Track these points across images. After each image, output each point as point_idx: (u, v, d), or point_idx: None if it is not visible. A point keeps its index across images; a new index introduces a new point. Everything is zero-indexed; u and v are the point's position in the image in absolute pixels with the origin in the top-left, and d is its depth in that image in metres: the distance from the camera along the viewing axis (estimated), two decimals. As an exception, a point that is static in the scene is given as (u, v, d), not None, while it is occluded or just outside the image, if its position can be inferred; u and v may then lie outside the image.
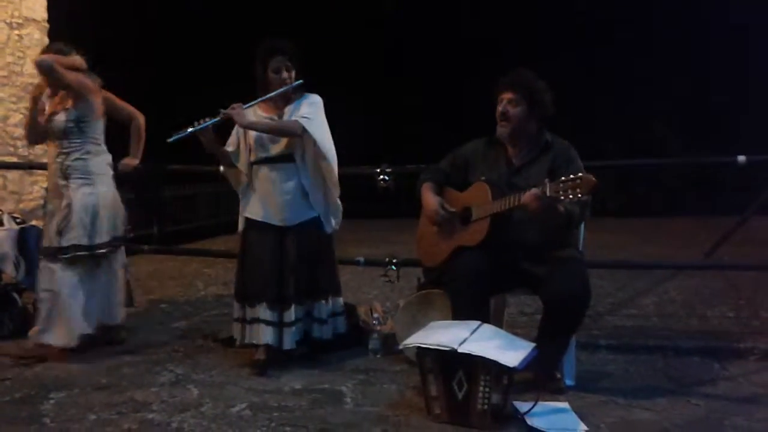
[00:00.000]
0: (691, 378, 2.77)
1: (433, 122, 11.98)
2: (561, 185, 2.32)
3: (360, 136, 11.71)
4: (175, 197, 9.05)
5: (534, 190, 2.40)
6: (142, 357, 3.15)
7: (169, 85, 10.69)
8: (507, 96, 2.69)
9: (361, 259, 3.93)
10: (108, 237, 3.17)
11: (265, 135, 2.96)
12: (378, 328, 3.19)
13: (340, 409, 2.47)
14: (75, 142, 3.14)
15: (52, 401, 2.58)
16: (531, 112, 2.67)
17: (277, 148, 2.96)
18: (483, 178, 2.72)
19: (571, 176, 2.32)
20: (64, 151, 3.14)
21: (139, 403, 2.54)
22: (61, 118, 3.13)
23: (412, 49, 12.35)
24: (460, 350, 2.28)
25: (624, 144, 11.33)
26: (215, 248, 6.47)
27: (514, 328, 3.10)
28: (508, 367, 2.25)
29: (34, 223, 4.09)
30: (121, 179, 3.59)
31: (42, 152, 4.49)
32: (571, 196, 2.30)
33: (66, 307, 3.04)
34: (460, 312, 2.59)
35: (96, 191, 3.15)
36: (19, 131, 4.67)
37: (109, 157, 3.52)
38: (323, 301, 3.03)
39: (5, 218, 3.74)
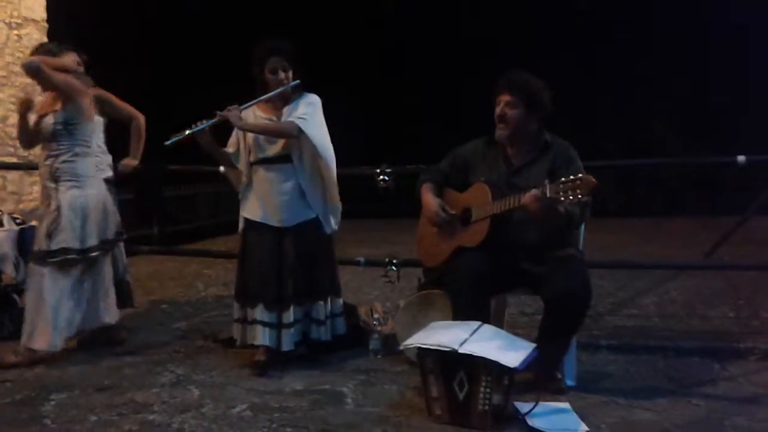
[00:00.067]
0: (692, 378, 2.77)
1: (433, 122, 11.98)
2: (561, 186, 2.32)
3: (359, 135, 11.73)
4: (175, 197, 9.05)
5: (534, 191, 2.40)
6: (142, 358, 3.14)
7: (169, 85, 10.69)
8: (504, 98, 2.68)
9: (362, 259, 3.93)
10: (98, 240, 3.13)
11: (261, 136, 2.96)
12: (378, 328, 3.18)
13: (340, 410, 2.47)
14: (63, 145, 3.10)
15: (52, 402, 2.58)
16: (529, 113, 2.66)
17: (275, 149, 2.96)
18: (483, 178, 2.72)
19: (571, 177, 2.31)
20: (53, 153, 3.11)
21: (140, 404, 2.54)
22: (49, 120, 3.09)
23: (411, 49, 12.35)
24: (460, 351, 2.28)
25: (624, 144, 11.34)
26: (215, 249, 6.48)
27: (515, 329, 3.10)
28: (509, 368, 2.25)
29: (33, 223, 4.08)
30: (121, 180, 3.59)
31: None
32: (571, 197, 2.30)
33: (49, 313, 3.00)
34: (461, 312, 2.59)
35: (85, 193, 3.12)
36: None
37: (109, 158, 3.51)
38: (322, 302, 3.02)
39: (5, 219, 3.73)
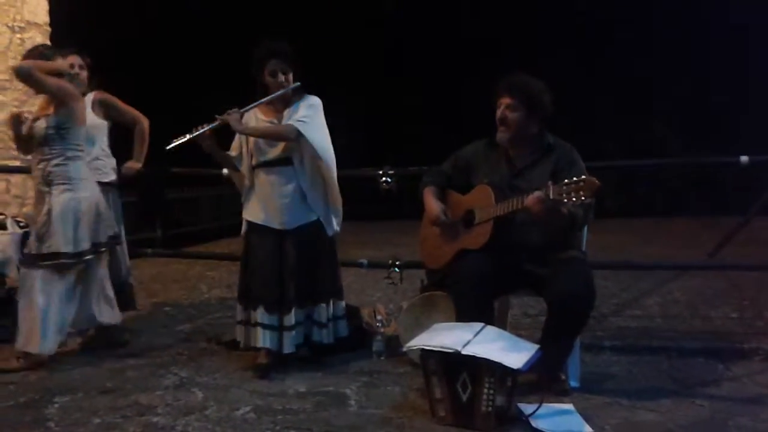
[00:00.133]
0: (695, 379, 2.76)
1: (433, 122, 12.00)
2: (564, 188, 2.32)
3: (360, 136, 11.75)
4: (178, 200, 9.07)
5: (537, 193, 2.40)
6: (146, 360, 3.15)
7: (172, 88, 10.70)
8: (505, 101, 2.68)
9: (365, 261, 3.93)
10: (90, 243, 3.11)
11: (262, 139, 2.96)
12: (381, 330, 3.19)
13: (344, 412, 2.47)
14: (56, 149, 3.08)
15: (56, 405, 2.58)
16: (530, 116, 2.66)
17: (276, 151, 2.96)
18: (485, 180, 2.72)
19: (575, 179, 2.31)
20: (45, 157, 3.09)
21: (144, 407, 2.54)
22: (41, 124, 3.07)
23: (412, 49, 12.37)
24: (464, 352, 2.28)
25: (624, 144, 11.34)
26: (219, 251, 6.48)
27: (518, 330, 3.11)
28: (513, 369, 2.25)
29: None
30: (124, 182, 3.60)
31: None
32: (574, 199, 2.30)
33: (38, 315, 2.98)
34: (464, 314, 2.59)
35: (77, 196, 3.09)
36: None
37: (112, 162, 3.52)
38: (324, 305, 3.02)
39: (8, 222, 3.73)
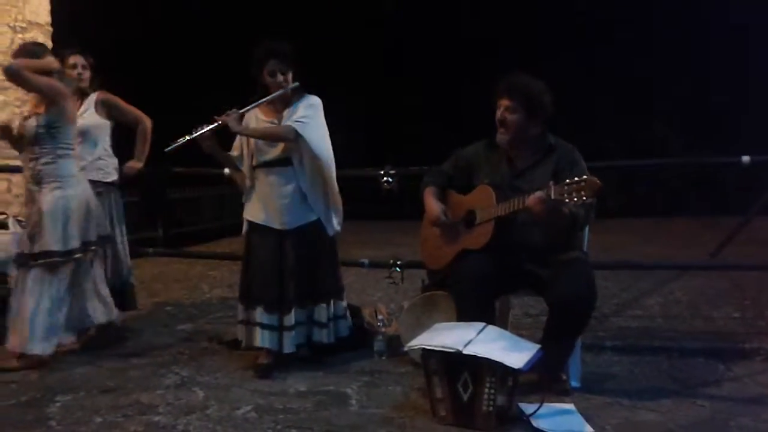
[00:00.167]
0: (696, 379, 2.77)
1: (433, 122, 12.01)
2: (565, 188, 2.32)
3: (360, 136, 11.75)
4: (179, 200, 9.07)
5: (538, 193, 2.40)
6: (147, 359, 3.15)
7: (173, 88, 10.70)
8: (504, 103, 2.67)
9: (366, 260, 3.94)
10: (80, 242, 3.09)
11: (262, 140, 2.96)
12: (383, 329, 3.19)
13: (345, 411, 2.48)
14: (46, 148, 3.07)
15: (57, 404, 2.59)
16: (529, 117, 2.65)
17: (275, 152, 2.97)
18: (486, 181, 2.72)
19: (576, 179, 2.31)
20: (35, 156, 3.08)
21: (145, 406, 2.55)
22: (32, 123, 3.06)
23: (412, 49, 12.37)
24: (465, 352, 2.28)
25: (625, 144, 11.34)
26: (220, 251, 6.49)
27: (519, 330, 3.10)
28: (514, 369, 2.25)
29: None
30: (126, 182, 3.60)
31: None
32: (575, 199, 2.30)
33: (27, 315, 2.97)
34: (465, 314, 2.59)
35: (66, 194, 3.07)
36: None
37: (114, 161, 3.52)
38: (324, 305, 3.02)
39: (10, 222, 3.74)
